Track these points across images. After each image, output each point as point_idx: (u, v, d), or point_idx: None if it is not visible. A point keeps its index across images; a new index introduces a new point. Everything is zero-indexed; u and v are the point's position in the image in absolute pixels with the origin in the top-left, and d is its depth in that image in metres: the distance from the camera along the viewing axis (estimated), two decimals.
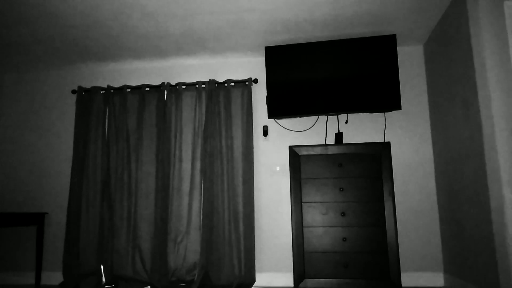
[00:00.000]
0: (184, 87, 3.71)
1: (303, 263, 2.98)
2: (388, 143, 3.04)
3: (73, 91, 3.85)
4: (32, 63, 3.82)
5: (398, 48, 3.55)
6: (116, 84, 3.90)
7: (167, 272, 3.40)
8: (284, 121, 3.61)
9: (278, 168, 3.55)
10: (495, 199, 2.27)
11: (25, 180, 3.87)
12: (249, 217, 3.35)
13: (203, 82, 3.65)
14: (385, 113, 3.48)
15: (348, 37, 3.38)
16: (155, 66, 3.88)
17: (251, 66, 3.75)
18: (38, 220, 3.58)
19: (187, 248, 3.45)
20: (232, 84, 3.65)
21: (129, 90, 3.77)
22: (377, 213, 2.97)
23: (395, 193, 3.37)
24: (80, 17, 2.96)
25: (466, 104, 2.62)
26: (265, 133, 3.59)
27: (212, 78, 3.78)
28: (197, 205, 3.48)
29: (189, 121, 3.66)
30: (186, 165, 3.58)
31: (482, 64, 2.36)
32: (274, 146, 3.59)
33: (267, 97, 3.40)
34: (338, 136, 3.36)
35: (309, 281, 2.95)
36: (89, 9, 2.85)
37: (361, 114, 3.51)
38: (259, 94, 3.69)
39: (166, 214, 3.47)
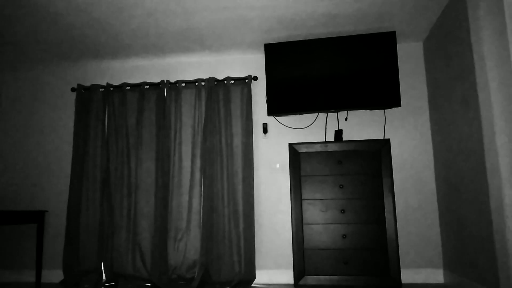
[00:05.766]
0: (183, 84, 3.70)
1: (303, 260, 2.99)
2: (388, 140, 3.04)
3: (73, 89, 3.84)
4: (31, 61, 3.81)
5: (398, 45, 3.54)
6: (116, 82, 3.89)
7: (167, 270, 3.40)
8: (283, 119, 3.61)
9: (278, 166, 3.55)
10: (494, 195, 2.28)
11: (25, 178, 3.87)
12: (249, 214, 3.35)
13: (203, 80, 3.65)
14: (385, 110, 3.48)
15: (348, 34, 3.38)
16: (155, 63, 3.87)
17: (250, 64, 3.74)
18: (38, 218, 3.58)
19: (187, 246, 3.45)
20: (232, 81, 3.64)
21: (129, 88, 3.76)
22: (377, 210, 2.97)
23: (394, 190, 3.37)
24: (80, 15, 2.95)
25: (466, 101, 2.62)
26: (265, 130, 3.59)
27: (211, 75, 3.78)
28: (197, 202, 3.49)
29: (188, 119, 3.66)
30: (186, 163, 3.58)
31: (481, 61, 2.36)
32: (273, 143, 3.59)
33: (266, 94, 3.39)
34: (338, 133, 3.36)
35: (309, 278, 2.96)
36: (88, 7, 2.84)
37: (361, 111, 3.51)
38: (259, 91, 3.69)
39: (166, 211, 3.48)
